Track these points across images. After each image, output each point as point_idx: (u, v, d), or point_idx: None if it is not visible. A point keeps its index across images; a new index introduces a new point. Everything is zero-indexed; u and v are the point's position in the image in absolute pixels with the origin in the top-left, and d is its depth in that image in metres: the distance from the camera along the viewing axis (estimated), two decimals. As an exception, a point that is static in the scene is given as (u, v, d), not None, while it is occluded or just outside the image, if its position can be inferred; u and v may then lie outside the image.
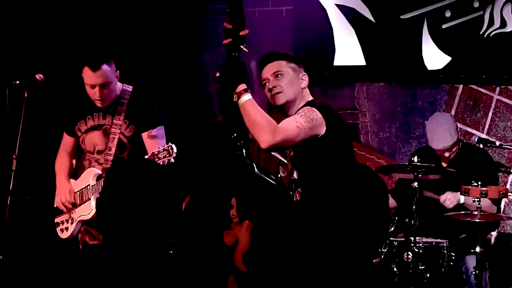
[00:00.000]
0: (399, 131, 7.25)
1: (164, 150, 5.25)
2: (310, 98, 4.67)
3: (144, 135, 5.54)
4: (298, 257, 4.45)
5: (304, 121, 4.37)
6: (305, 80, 4.68)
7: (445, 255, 5.82)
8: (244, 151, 4.82)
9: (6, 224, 5.15)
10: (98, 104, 5.51)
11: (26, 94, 5.25)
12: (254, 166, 4.82)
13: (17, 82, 5.27)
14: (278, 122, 4.37)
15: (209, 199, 7.13)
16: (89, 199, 5.51)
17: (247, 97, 4.33)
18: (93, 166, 5.63)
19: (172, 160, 5.23)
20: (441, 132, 6.24)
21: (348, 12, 7.32)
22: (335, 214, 4.43)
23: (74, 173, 5.76)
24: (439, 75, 7.07)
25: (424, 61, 7.12)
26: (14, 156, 5.19)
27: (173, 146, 5.22)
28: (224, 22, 4.38)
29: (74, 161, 5.81)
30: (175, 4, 7.71)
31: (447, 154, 6.23)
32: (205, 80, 7.63)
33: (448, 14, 7.01)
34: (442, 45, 7.07)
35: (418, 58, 7.12)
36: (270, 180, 4.86)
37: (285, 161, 4.98)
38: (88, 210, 5.50)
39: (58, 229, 5.70)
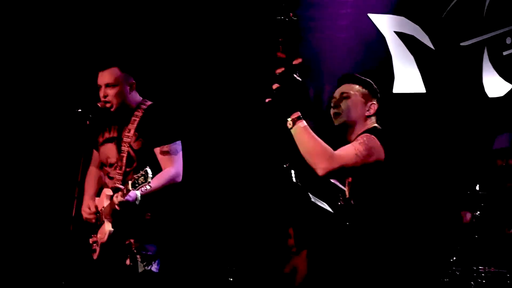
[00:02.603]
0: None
1: (141, 175, 5.08)
2: (374, 125, 4.67)
3: (157, 150, 5.48)
4: (356, 284, 4.42)
5: (363, 149, 4.36)
6: (372, 108, 4.66)
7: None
8: (298, 180, 4.62)
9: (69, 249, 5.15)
10: (107, 106, 5.47)
11: (88, 122, 5.28)
12: (310, 195, 4.67)
13: (80, 110, 5.29)
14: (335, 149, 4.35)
15: (267, 229, 7.19)
16: (103, 221, 5.45)
17: (301, 124, 4.32)
18: (106, 181, 5.61)
19: (149, 187, 5.06)
20: None
21: (407, 39, 7.28)
22: (393, 240, 4.41)
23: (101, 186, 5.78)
24: (500, 103, 6.99)
25: (485, 88, 7.05)
26: (77, 183, 5.20)
27: (148, 170, 5.03)
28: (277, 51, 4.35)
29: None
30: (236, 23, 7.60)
31: None
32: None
33: (508, 41, 6.96)
34: (503, 72, 7.00)
35: (479, 86, 7.05)
36: (327, 208, 4.71)
37: (343, 188, 4.76)
38: (103, 233, 5.43)
39: (92, 250, 5.68)
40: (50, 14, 7.40)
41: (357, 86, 4.69)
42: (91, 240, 5.53)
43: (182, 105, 6.80)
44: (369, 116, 4.68)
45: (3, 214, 7.12)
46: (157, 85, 6.66)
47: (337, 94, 4.69)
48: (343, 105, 4.63)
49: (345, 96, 4.65)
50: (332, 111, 4.66)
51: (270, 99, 4.36)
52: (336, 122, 4.64)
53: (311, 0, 7.42)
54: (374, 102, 4.69)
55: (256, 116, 7.11)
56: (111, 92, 5.45)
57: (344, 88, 4.71)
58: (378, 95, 4.73)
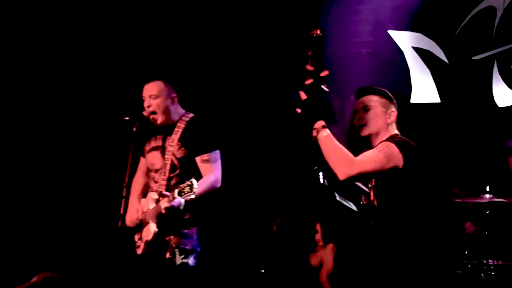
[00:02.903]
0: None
1: (187, 185, 5.14)
2: (395, 132, 4.70)
3: (198, 159, 5.53)
4: (378, 276, 4.48)
5: (382, 156, 4.43)
6: (392, 116, 4.71)
7: None
8: (326, 181, 4.61)
9: (117, 245, 5.34)
10: (152, 118, 5.57)
11: (134, 129, 5.47)
12: (336, 194, 4.67)
13: (127, 118, 5.48)
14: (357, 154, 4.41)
15: (296, 224, 7.28)
16: (149, 222, 5.50)
17: (325, 132, 4.38)
18: (151, 185, 5.67)
19: (193, 196, 5.13)
20: None
21: (424, 54, 7.37)
22: (412, 238, 4.45)
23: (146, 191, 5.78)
24: (509, 112, 7.09)
25: (494, 98, 7.15)
26: (124, 185, 5.35)
27: (194, 181, 5.12)
28: (306, 64, 4.41)
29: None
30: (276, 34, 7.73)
31: None
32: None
33: (517, 55, 7.01)
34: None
35: (489, 96, 7.13)
36: (351, 207, 4.72)
37: (367, 189, 4.77)
38: (149, 232, 5.50)
39: (136, 246, 5.69)
40: (104, 28, 7.66)
41: (375, 97, 4.72)
42: (136, 237, 5.64)
43: (220, 117, 6.77)
44: (390, 123, 4.70)
45: (62, 212, 7.29)
46: (197, 98, 6.64)
47: (358, 107, 4.70)
48: (367, 117, 4.65)
49: (367, 109, 4.66)
50: (357, 123, 4.68)
51: (300, 109, 4.46)
52: (362, 134, 4.65)
53: (337, 19, 7.55)
54: (394, 109, 4.73)
55: (289, 124, 6.55)
56: (154, 103, 5.57)
57: (364, 100, 4.71)
58: (395, 102, 4.76)
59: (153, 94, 5.60)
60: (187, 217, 5.49)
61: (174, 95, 5.68)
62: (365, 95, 4.76)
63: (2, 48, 7.54)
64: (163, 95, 5.61)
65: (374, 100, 4.72)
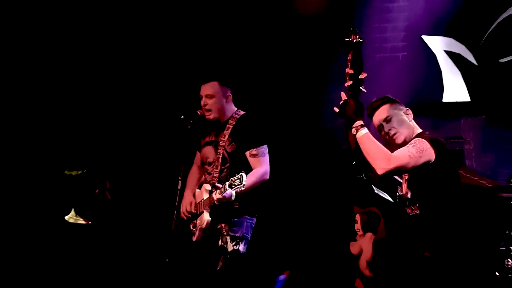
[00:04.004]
0: (498, 156, 7.22)
1: (237, 178, 5.24)
2: (419, 130, 4.82)
3: (247, 153, 5.64)
4: (417, 262, 4.60)
5: (415, 151, 4.53)
6: (410, 113, 4.83)
7: None
8: (363, 175, 4.66)
9: (173, 233, 5.46)
10: (207, 116, 5.69)
11: (189, 127, 5.63)
12: (374, 187, 4.71)
13: (182, 116, 5.65)
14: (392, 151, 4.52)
15: (337, 215, 7.42)
16: (203, 211, 5.60)
17: (364, 131, 4.51)
18: (205, 176, 5.78)
19: (243, 188, 5.21)
20: None
21: (455, 57, 7.49)
22: (447, 225, 4.58)
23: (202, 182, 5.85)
24: None
25: None
26: (179, 178, 5.53)
27: (243, 175, 5.21)
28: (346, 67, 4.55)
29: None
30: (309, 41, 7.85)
31: None
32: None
33: (541, 58, 7.04)
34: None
35: None
36: (388, 198, 4.77)
37: (402, 181, 4.85)
38: (203, 220, 5.59)
39: (191, 233, 5.76)
40: (164, 29, 7.78)
41: (388, 106, 4.81)
42: (191, 225, 5.77)
43: (268, 115, 6.72)
44: (411, 121, 4.85)
45: (126, 201, 7.08)
46: (249, 97, 6.57)
47: (380, 122, 4.78)
48: (394, 125, 4.75)
49: (389, 119, 4.77)
50: (388, 136, 4.76)
51: (337, 108, 4.58)
52: (398, 141, 4.75)
53: (374, 25, 7.73)
54: (407, 108, 4.84)
55: (330, 121, 7.30)
56: (210, 101, 5.71)
57: (380, 114, 4.79)
58: (399, 101, 4.83)
59: (209, 94, 5.73)
60: (237, 206, 5.61)
61: (229, 94, 5.79)
62: (376, 110, 4.85)
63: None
64: (218, 95, 5.72)
65: (389, 109, 4.80)
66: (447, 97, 7.57)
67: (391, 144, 4.73)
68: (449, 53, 7.55)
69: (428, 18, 7.54)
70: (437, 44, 7.58)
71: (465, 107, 7.49)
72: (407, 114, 4.82)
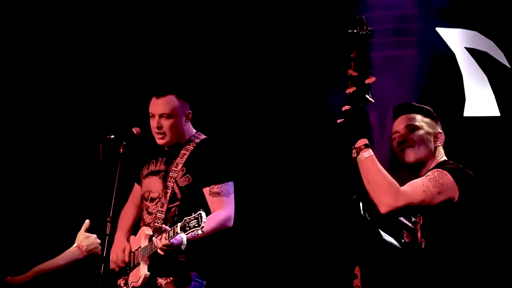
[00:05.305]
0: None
1: (194, 218, 4.99)
2: (443, 158, 4.53)
3: (206, 190, 5.41)
4: None
5: (432, 186, 4.22)
6: (440, 138, 4.55)
7: None
8: (367, 214, 4.49)
9: None
10: (158, 139, 5.46)
11: (121, 150, 5.23)
12: (380, 231, 4.56)
13: (112, 136, 5.25)
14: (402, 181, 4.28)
15: (332, 267, 7.07)
16: (139, 263, 5.40)
17: (367, 153, 4.21)
18: (144, 217, 5.55)
19: (200, 232, 4.97)
20: None
21: (480, 57, 7.07)
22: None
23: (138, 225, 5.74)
24: None
25: None
26: (108, 219, 5.10)
27: (203, 214, 4.95)
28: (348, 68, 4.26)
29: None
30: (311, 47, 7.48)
31: None
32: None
33: None
34: None
35: None
36: (397, 245, 4.60)
37: (410, 225, 4.66)
38: (137, 276, 5.37)
39: None
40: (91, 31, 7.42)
41: (419, 116, 4.59)
42: (121, 282, 5.51)
43: (237, 140, 6.66)
44: (437, 148, 4.56)
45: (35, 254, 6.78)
46: (212, 117, 6.62)
47: (399, 127, 4.58)
48: (414, 138, 4.51)
49: (411, 129, 4.53)
50: (399, 147, 4.54)
51: (342, 120, 4.29)
52: (407, 159, 4.50)
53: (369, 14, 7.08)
54: (440, 131, 4.59)
55: (322, 139, 7.11)
56: (166, 123, 5.40)
57: (406, 120, 4.60)
58: (440, 121, 4.63)
59: (165, 113, 5.42)
60: (183, 259, 5.34)
61: (189, 111, 5.53)
62: (405, 113, 4.63)
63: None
64: (177, 114, 5.44)
65: (418, 119, 4.59)
66: (470, 110, 7.06)
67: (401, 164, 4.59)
68: (472, 51, 7.05)
69: (444, 4, 7.04)
70: (456, 38, 7.13)
71: (494, 123, 7.02)
72: (437, 138, 4.57)
